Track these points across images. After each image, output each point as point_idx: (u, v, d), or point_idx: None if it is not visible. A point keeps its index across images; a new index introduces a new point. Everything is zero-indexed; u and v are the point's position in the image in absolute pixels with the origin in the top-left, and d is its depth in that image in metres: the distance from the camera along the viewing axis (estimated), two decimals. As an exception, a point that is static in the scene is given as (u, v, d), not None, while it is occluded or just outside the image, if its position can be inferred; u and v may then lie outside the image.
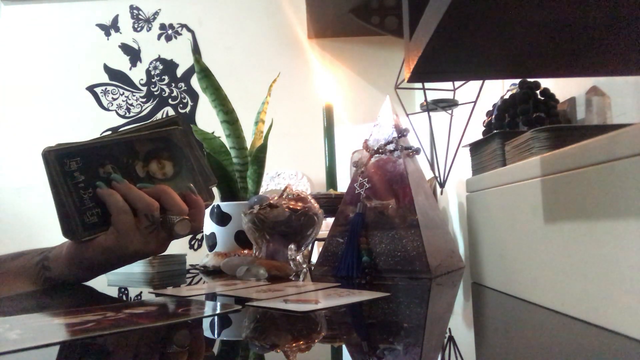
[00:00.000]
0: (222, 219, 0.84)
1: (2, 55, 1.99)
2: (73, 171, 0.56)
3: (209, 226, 0.85)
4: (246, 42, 1.96)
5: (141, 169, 0.60)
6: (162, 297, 0.52)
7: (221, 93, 0.87)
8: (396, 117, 0.75)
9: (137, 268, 0.81)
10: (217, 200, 0.86)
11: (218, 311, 0.42)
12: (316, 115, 1.18)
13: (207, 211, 0.85)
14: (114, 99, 1.98)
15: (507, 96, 0.69)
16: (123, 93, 1.98)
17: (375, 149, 0.72)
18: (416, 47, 0.36)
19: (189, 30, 2.00)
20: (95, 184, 0.56)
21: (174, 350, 0.31)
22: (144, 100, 1.98)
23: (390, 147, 0.71)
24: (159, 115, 1.96)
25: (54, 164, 0.55)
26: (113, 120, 1.97)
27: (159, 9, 2.01)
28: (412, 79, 0.41)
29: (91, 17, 2.00)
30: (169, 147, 0.62)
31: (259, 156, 0.88)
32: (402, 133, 0.72)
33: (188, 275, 0.79)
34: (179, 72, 1.98)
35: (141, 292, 0.61)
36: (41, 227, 1.76)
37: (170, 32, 2.00)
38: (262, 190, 0.99)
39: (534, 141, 0.48)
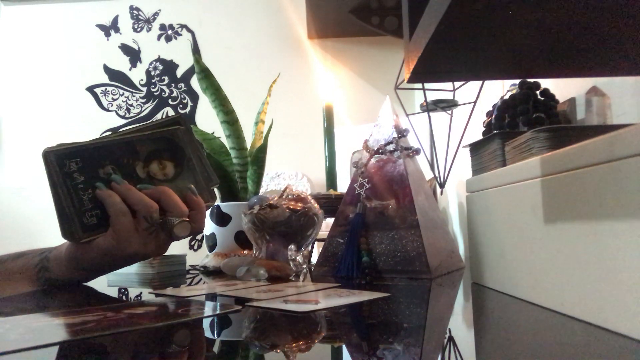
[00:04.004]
0: (222, 219, 0.84)
1: (2, 55, 1.99)
2: (73, 172, 0.56)
3: (209, 226, 0.85)
4: (246, 42, 1.96)
5: (142, 169, 0.60)
6: (162, 298, 0.52)
7: (221, 93, 0.86)
8: (396, 117, 0.75)
9: (137, 268, 0.81)
10: (217, 201, 0.85)
11: (218, 311, 0.42)
12: (316, 115, 1.18)
13: (207, 212, 0.85)
14: (114, 100, 1.98)
15: (507, 96, 0.69)
16: (123, 94, 1.98)
17: (375, 149, 0.72)
18: (416, 47, 0.36)
19: (189, 30, 2.00)
20: (95, 185, 0.56)
21: (174, 351, 0.31)
22: (144, 100, 1.98)
23: (390, 147, 0.71)
24: (158, 116, 1.96)
25: (53, 165, 0.55)
26: (113, 120, 1.97)
27: (159, 10, 2.01)
28: (411, 80, 0.41)
29: (91, 18, 2.00)
30: (171, 147, 0.62)
31: (259, 156, 0.88)
32: (402, 133, 0.72)
33: (188, 276, 0.79)
34: (179, 72, 1.98)
35: (141, 293, 0.61)
36: (42, 228, 1.76)
37: (170, 32, 2.00)
38: (262, 191, 0.99)
39: (534, 141, 0.48)
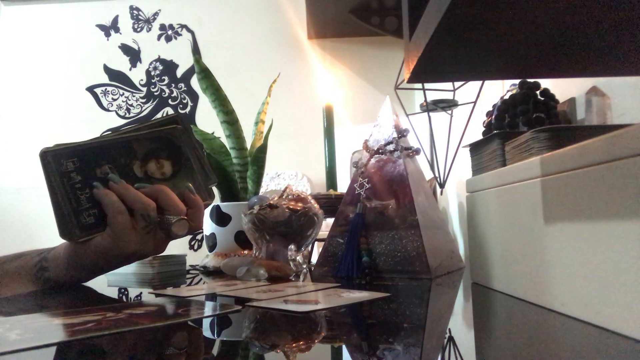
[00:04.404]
0: (222, 219, 0.84)
1: (2, 55, 1.99)
2: (70, 172, 0.56)
3: (209, 227, 0.85)
4: (246, 42, 1.96)
5: (139, 168, 0.60)
6: (162, 298, 0.52)
7: (221, 93, 0.86)
8: (396, 117, 0.75)
9: (137, 268, 0.81)
10: (217, 201, 0.85)
11: (218, 311, 0.42)
12: (316, 115, 1.18)
13: (207, 211, 0.85)
14: (114, 100, 1.98)
15: (507, 96, 0.69)
16: (123, 94, 1.98)
17: (375, 149, 0.72)
18: (416, 47, 0.36)
19: (189, 30, 2.00)
20: (92, 185, 0.56)
21: (174, 351, 0.31)
22: (143, 100, 1.98)
23: (390, 147, 0.71)
24: (158, 116, 1.96)
25: (50, 165, 0.55)
26: (113, 120, 1.97)
27: (159, 10, 2.01)
28: (411, 80, 0.41)
29: (91, 18, 2.00)
30: (168, 146, 0.62)
31: (259, 156, 0.88)
32: (402, 133, 0.72)
33: (188, 276, 0.79)
34: (179, 72, 1.99)
35: (141, 293, 0.61)
36: (41, 228, 1.76)
37: (170, 32, 2.00)
38: (262, 191, 0.99)
39: (534, 141, 0.48)
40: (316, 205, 0.71)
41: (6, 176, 1.93)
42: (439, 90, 1.09)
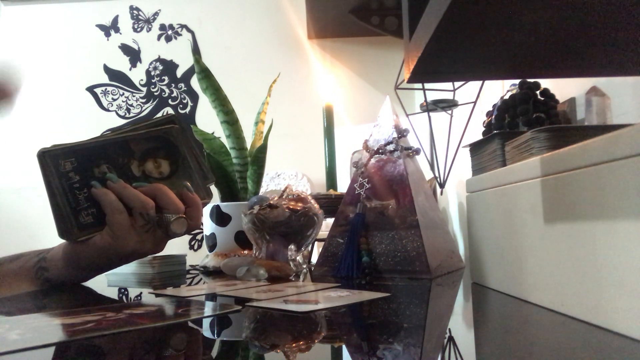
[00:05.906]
0: (222, 219, 0.84)
1: (2, 55, 1.99)
2: (68, 172, 0.56)
3: (209, 227, 0.85)
4: (246, 42, 1.96)
5: (137, 168, 0.60)
6: (162, 298, 0.52)
7: (221, 93, 0.87)
8: (396, 117, 0.74)
9: (137, 268, 0.81)
10: (217, 201, 0.85)
11: (218, 311, 0.42)
12: (316, 115, 1.18)
13: (207, 211, 0.85)
14: (114, 100, 1.98)
15: (507, 96, 0.69)
16: (123, 94, 1.98)
17: (375, 149, 0.72)
18: (416, 47, 0.36)
19: (189, 30, 2.00)
20: (91, 184, 0.57)
21: (174, 351, 0.31)
22: (143, 100, 1.98)
23: (390, 147, 0.71)
24: (158, 116, 1.96)
25: (48, 165, 0.55)
26: (113, 120, 1.97)
27: (159, 10, 2.01)
28: (411, 80, 0.41)
29: (91, 18, 2.00)
30: (166, 145, 0.62)
31: (259, 156, 0.88)
32: (402, 133, 0.72)
33: (188, 276, 0.79)
34: (179, 72, 1.98)
35: (141, 293, 0.61)
36: (41, 228, 1.76)
37: (170, 32, 2.00)
38: (262, 191, 0.99)
39: (534, 141, 0.48)
40: (316, 205, 0.71)
41: (6, 176, 1.93)
42: (439, 90, 1.09)
